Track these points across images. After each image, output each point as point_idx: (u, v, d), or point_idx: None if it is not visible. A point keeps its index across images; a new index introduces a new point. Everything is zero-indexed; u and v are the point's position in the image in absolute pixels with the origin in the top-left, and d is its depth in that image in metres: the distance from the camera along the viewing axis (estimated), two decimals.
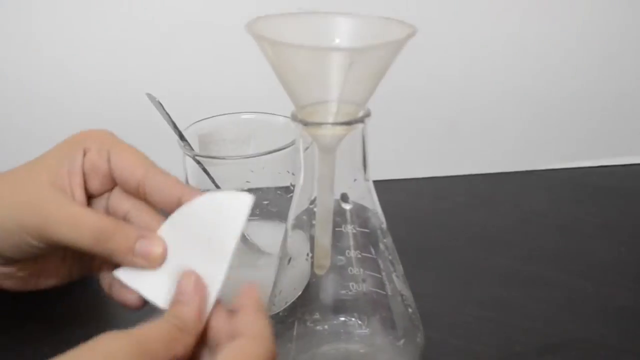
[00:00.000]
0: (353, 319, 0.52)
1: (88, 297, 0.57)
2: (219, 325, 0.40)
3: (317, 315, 0.51)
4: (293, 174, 0.58)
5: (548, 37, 0.82)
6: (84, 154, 0.45)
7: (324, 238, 0.48)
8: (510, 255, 0.68)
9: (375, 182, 0.49)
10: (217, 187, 0.58)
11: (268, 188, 0.61)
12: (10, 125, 0.80)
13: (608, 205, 0.77)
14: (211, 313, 0.41)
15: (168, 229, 0.44)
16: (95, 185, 0.46)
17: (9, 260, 0.44)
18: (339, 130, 0.45)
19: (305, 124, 0.45)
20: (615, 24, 0.82)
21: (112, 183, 0.46)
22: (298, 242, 0.51)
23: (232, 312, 0.41)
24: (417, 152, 0.85)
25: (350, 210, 0.49)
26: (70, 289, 0.50)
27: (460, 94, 0.84)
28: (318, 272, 0.49)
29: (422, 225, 0.74)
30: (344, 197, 0.49)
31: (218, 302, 0.41)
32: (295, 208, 0.50)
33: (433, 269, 0.66)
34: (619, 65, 0.84)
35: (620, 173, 0.84)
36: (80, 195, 0.45)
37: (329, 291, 0.50)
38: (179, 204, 0.43)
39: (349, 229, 0.49)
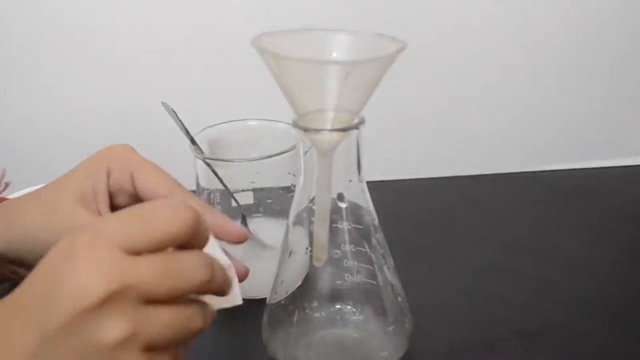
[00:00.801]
0: (348, 307, 0.54)
1: None
2: None
3: (315, 304, 0.53)
4: (294, 176, 0.60)
5: (535, 45, 0.85)
6: (108, 175, 0.45)
7: (321, 233, 0.50)
8: (492, 250, 0.70)
9: (369, 183, 0.51)
10: (225, 187, 0.60)
11: (271, 188, 0.63)
12: (31, 134, 0.84)
13: (579, 205, 0.79)
14: None
15: None
16: (123, 200, 0.47)
17: None
18: (336, 136, 0.47)
19: (305, 130, 0.47)
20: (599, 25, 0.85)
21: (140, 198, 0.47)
22: (298, 237, 0.52)
23: None
24: (407, 156, 0.88)
25: (346, 208, 0.51)
26: None
27: (446, 101, 0.86)
28: (316, 264, 0.51)
29: (411, 222, 0.75)
30: (340, 197, 0.51)
31: None
32: (296, 206, 0.52)
33: (421, 262, 0.68)
34: (597, 71, 0.86)
35: (592, 175, 0.86)
36: (105, 212, 0.45)
37: (326, 281, 0.52)
38: None
39: (345, 225, 0.52)
